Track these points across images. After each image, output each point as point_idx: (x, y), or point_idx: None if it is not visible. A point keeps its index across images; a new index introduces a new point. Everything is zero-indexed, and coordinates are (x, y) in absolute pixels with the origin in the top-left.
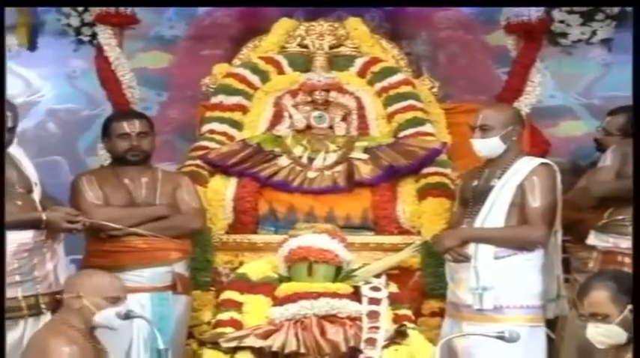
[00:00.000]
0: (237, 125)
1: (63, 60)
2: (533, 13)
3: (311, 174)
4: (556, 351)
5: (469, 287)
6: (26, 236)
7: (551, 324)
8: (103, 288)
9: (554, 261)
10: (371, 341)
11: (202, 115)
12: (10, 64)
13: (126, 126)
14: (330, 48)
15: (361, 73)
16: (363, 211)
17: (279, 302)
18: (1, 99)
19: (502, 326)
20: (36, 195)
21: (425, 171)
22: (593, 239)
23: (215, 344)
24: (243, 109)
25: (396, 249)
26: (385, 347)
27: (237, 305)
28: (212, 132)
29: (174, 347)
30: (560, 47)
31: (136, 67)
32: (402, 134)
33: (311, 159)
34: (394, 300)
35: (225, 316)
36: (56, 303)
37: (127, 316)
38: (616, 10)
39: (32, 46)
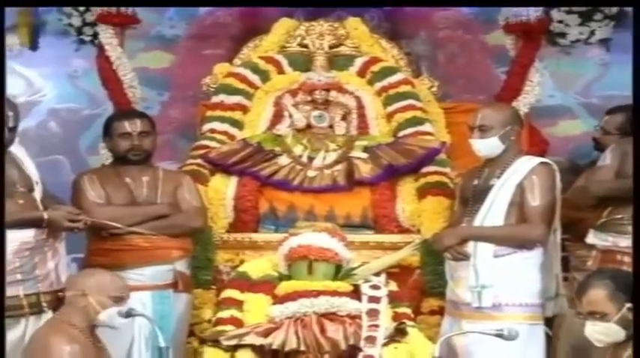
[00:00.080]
0: (237, 124)
1: (64, 59)
2: (532, 13)
3: (311, 173)
4: (553, 350)
5: (468, 286)
6: (28, 235)
7: (549, 323)
8: (107, 287)
9: (554, 260)
10: (370, 339)
11: (203, 115)
12: (12, 64)
13: (127, 126)
14: (330, 47)
15: (361, 73)
16: (363, 210)
17: (279, 300)
18: (1, 99)
19: (501, 324)
20: (37, 194)
21: (424, 170)
22: (592, 238)
23: (216, 342)
24: (244, 109)
25: (395, 247)
26: (385, 345)
27: (238, 304)
28: (213, 131)
29: (175, 345)
30: (559, 47)
31: (137, 66)
32: (401, 133)
33: (311, 158)
34: (394, 298)
35: (225, 314)
36: (57, 302)
37: (129, 314)
38: (614, 10)
39: (34, 45)
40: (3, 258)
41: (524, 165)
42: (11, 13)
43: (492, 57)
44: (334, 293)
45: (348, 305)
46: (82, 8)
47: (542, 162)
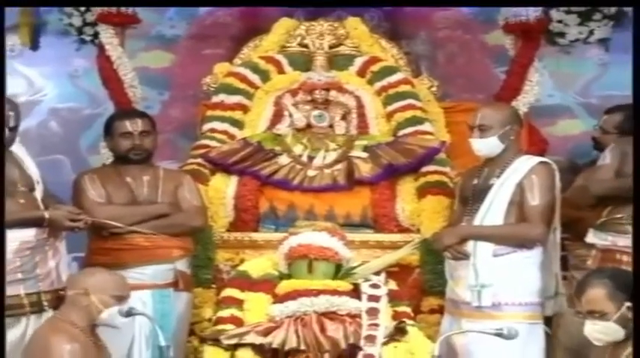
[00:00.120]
0: (237, 124)
1: (65, 59)
2: (531, 13)
3: (311, 173)
4: (552, 349)
5: (468, 285)
6: (28, 234)
7: (548, 322)
8: (109, 286)
9: (553, 259)
10: (370, 338)
11: (203, 114)
12: (13, 64)
13: (128, 125)
14: (330, 47)
15: (361, 72)
16: (363, 209)
17: (279, 299)
18: (1, 99)
19: (501, 323)
20: (38, 193)
21: (424, 169)
22: (592, 237)
23: (216, 341)
24: (244, 108)
25: (395, 246)
26: (384, 343)
27: (238, 303)
28: (213, 130)
29: (176, 343)
30: (558, 47)
31: (138, 66)
32: (401, 133)
33: (311, 158)
34: (393, 297)
35: (225, 313)
36: (58, 301)
37: (129, 313)
38: (613, 10)
39: (35, 45)
40: (3, 258)
41: (524, 164)
42: (12, 13)
43: (492, 57)
44: (334, 292)
45: (348, 304)
46: (82, 8)
47: (541, 162)
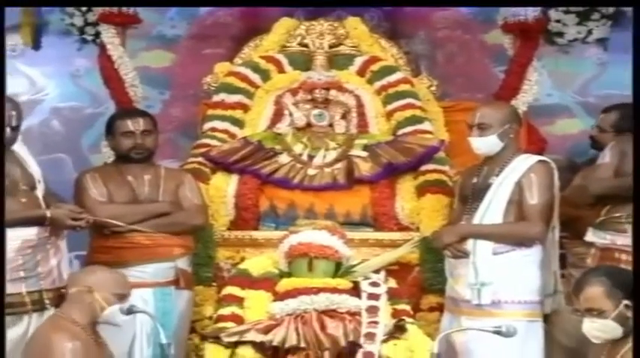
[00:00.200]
0: (238, 123)
1: (67, 59)
2: (530, 12)
3: (311, 172)
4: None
5: (468, 283)
6: (30, 232)
7: (544, 319)
8: (110, 284)
9: (552, 257)
10: (370, 336)
11: (204, 113)
12: (15, 63)
13: (130, 125)
14: (330, 47)
15: (361, 72)
16: (363, 208)
17: (279, 297)
18: (1, 99)
19: (500, 321)
20: (39, 192)
21: (423, 168)
22: (591, 236)
23: (217, 339)
24: (245, 107)
25: (395, 245)
26: (384, 341)
27: (239, 301)
28: (214, 130)
29: (177, 341)
30: (557, 46)
31: (139, 65)
32: (400, 132)
33: (311, 157)
34: (393, 295)
35: (226, 311)
36: (60, 299)
37: (130, 311)
38: (611, 9)
39: (36, 45)
40: (3, 257)
41: (523, 163)
42: (14, 13)
43: (491, 56)
44: (334, 290)
45: (347, 302)
46: (84, 8)
47: (540, 160)
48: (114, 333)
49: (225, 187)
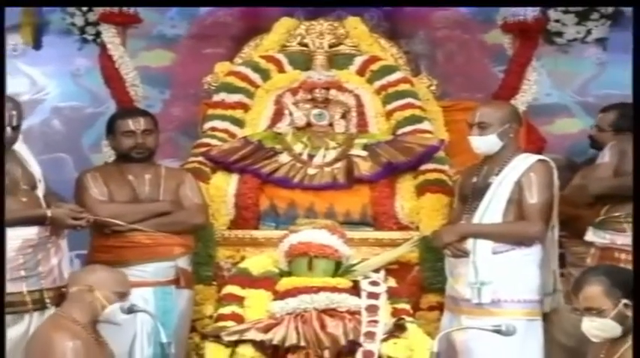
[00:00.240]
0: (238, 122)
1: (67, 58)
2: (530, 12)
3: (311, 171)
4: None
5: (468, 282)
6: (31, 232)
7: (543, 318)
8: (111, 283)
9: (551, 256)
10: (370, 335)
11: (204, 113)
12: (16, 63)
13: (131, 124)
14: (330, 47)
15: (360, 72)
16: (363, 207)
17: (279, 296)
18: (1, 98)
19: (500, 319)
20: (40, 191)
21: (423, 167)
22: (590, 235)
23: (217, 338)
24: (245, 107)
25: (394, 244)
26: (384, 340)
27: (239, 300)
28: (214, 129)
29: (177, 340)
30: (556, 46)
31: (139, 65)
32: (400, 131)
33: (311, 156)
34: (393, 294)
35: (226, 310)
36: (61, 298)
37: (130, 310)
38: (610, 9)
39: (37, 44)
40: (3, 256)
41: (522, 162)
42: (15, 13)
43: (490, 56)
44: (334, 289)
45: (347, 301)
46: (84, 8)
47: (539, 160)
48: (114, 332)
49: (225, 186)
